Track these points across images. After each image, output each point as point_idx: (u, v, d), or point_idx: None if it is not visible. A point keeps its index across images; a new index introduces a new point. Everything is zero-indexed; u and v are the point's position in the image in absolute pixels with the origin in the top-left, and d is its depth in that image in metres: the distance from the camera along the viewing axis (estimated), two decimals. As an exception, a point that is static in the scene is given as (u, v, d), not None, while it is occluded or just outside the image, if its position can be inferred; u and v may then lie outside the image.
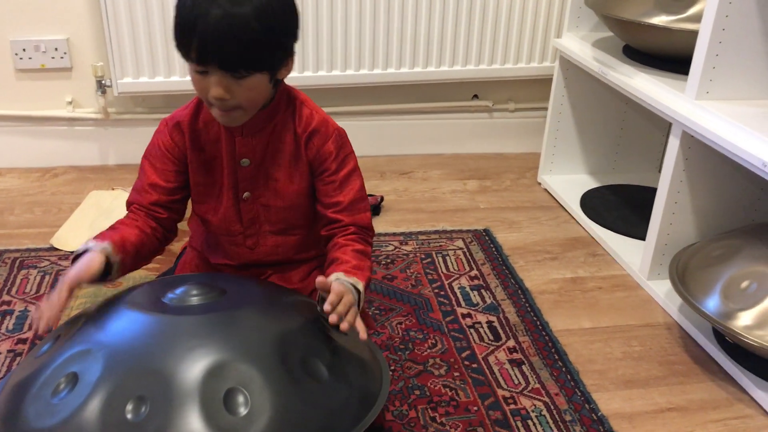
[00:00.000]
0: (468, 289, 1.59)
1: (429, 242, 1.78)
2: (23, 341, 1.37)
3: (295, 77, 2.01)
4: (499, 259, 1.71)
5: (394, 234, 1.81)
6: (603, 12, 1.70)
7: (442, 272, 1.65)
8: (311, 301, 1.08)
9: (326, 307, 0.94)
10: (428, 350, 1.38)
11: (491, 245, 1.77)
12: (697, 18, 1.55)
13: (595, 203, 1.97)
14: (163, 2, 1.90)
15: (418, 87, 2.21)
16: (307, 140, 1.12)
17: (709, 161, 1.51)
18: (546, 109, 2.30)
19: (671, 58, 1.64)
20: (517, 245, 1.80)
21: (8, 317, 1.43)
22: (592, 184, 2.09)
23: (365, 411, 0.94)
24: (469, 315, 1.50)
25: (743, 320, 1.28)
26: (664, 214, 1.56)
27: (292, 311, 1.01)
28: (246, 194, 1.14)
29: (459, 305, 1.53)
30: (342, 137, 1.14)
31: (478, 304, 1.54)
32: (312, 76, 2.05)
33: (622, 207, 1.95)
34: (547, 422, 1.22)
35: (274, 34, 0.99)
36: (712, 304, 1.33)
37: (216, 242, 1.22)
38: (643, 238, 1.78)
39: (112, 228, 1.09)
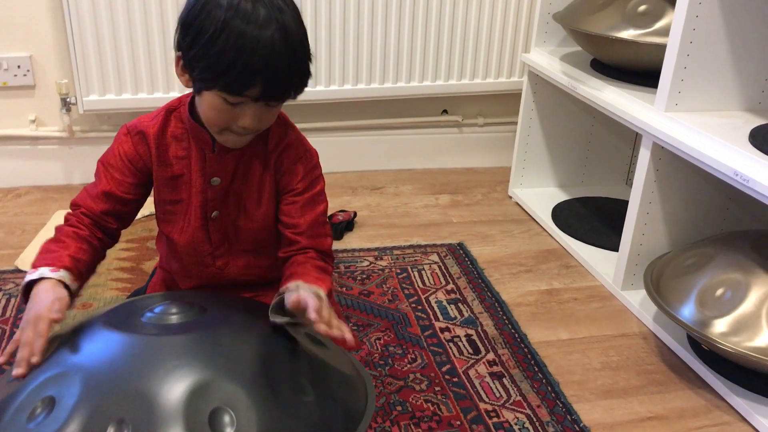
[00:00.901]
0: (445, 303, 1.58)
1: (404, 257, 1.77)
2: (-11, 366, 1.32)
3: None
4: (475, 273, 1.71)
5: (369, 249, 1.80)
6: (571, 26, 1.73)
7: (418, 287, 1.64)
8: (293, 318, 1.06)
9: (313, 315, 0.88)
10: (408, 365, 1.37)
11: (466, 259, 1.77)
12: (664, 32, 1.58)
13: (566, 215, 1.98)
14: (129, 18, 1.88)
15: (388, 102, 2.22)
16: (277, 158, 1.07)
17: (679, 172, 1.54)
18: (514, 123, 2.33)
19: (639, 71, 1.67)
20: (492, 258, 1.80)
21: (-27, 342, 1.38)
22: (562, 196, 2.11)
23: (352, 427, 0.92)
24: (447, 329, 1.49)
25: (718, 327, 1.30)
26: (637, 224, 1.58)
27: (275, 327, 0.99)
28: (215, 213, 1.09)
29: (437, 319, 1.52)
30: (312, 158, 1.10)
31: (455, 317, 1.53)
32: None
33: (593, 219, 1.97)
34: (531, 435, 1.22)
35: (310, 56, 0.98)
36: (688, 311, 1.35)
37: (183, 264, 1.14)
38: (614, 249, 1.80)
39: (58, 243, 1.00)
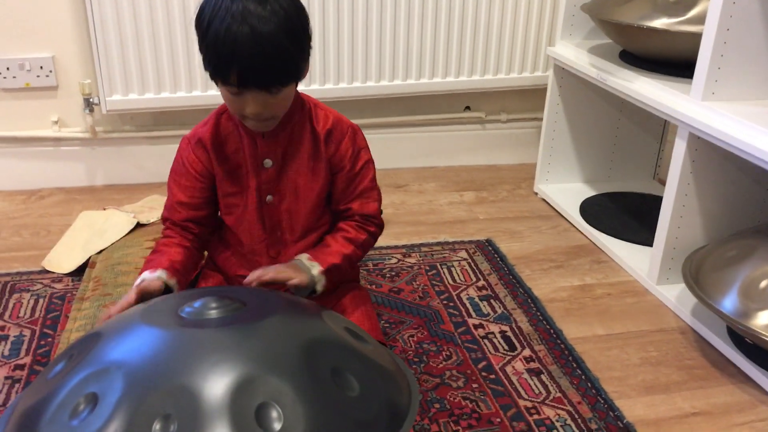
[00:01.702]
0: (477, 299, 1.56)
1: (432, 254, 1.74)
2: (21, 367, 1.30)
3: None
4: (505, 269, 1.68)
5: (396, 247, 1.77)
6: (600, 17, 1.70)
7: (448, 283, 1.61)
8: (333, 312, 1.04)
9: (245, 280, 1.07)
10: (443, 362, 1.35)
11: (495, 255, 1.74)
12: (697, 20, 1.55)
13: (594, 211, 1.95)
14: (152, 17, 1.86)
15: (411, 99, 2.19)
16: (325, 138, 1.16)
17: (716, 163, 1.51)
18: (537, 119, 2.31)
19: (671, 61, 1.64)
20: (521, 254, 1.77)
21: (3, 342, 1.37)
22: (588, 192, 2.07)
23: (397, 424, 0.89)
24: (481, 325, 1.46)
25: (763, 319, 1.27)
26: (672, 218, 1.55)
27: (317, 321, 0.97)
28: (269, 197, 1.17)
29: (470, 316, 1.49)
30: (356, 133, 1.19)
31: (488, 314, 1.50)
32: (304, 90, 2.01)
33: (622, 214, 1.94)
34: (573, 431, 1.19)
35: (301, 44, 1.04)
36: (730, 304, 1.31)
37: (237, 253, 1.22)
38: (645, 243, 1.77)
39: (156, 252, 1.14)
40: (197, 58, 1.92)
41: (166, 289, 1.09)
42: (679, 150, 1.50)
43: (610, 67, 1.74)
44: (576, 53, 1.89)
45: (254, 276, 1.08)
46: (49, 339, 1.38)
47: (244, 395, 0.80)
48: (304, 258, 1.14)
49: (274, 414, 0.80)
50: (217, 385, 0.81)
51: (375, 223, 1.22)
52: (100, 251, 1.61)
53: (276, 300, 1.01)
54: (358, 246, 1.19)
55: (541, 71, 2.19)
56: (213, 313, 0.92)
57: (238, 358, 0.84)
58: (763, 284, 1.29)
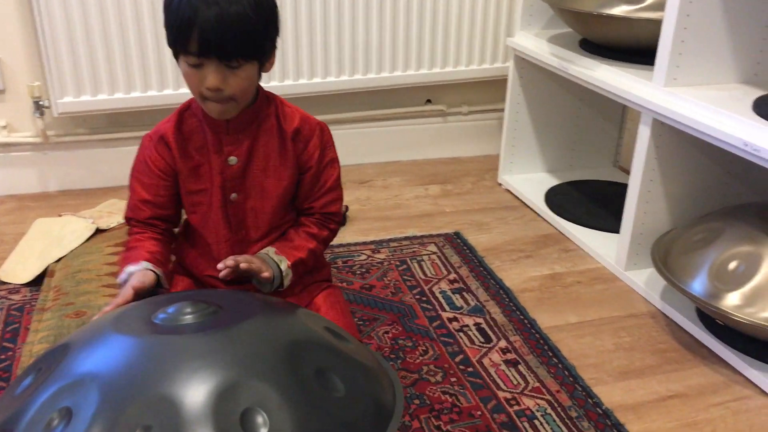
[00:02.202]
0: (449, 292, 1.55)
1: (401, 249, 1.73)
2: (-20, 383, 1.24)
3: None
4: (475, 261, 1.67)
5: (365, 243, 1.75)
6: (560, 6, 1.70)
7: (420, 278, 1.60)
8: (310, 311, 1.02)
9: (219, 265, 1.06)
10: (420, 357, 1.33)
11: (464, 248, 1.74)
12: (657, 7, 1.57)
13: (559, 200, 1.96)
14: (103, 15, 1.80)
15: (372, 94, 2.17)
16: (293, 137, 1.14)
17: (679, 148, 1.52)
18: (498, 110, 2.31)
19: (631, 48, 1.65)
20: (490, 246, 1.77)
21: (-41, 359, 1.30)
22: (552, 181, 2.08)
23: (384, 422, 0.88)
24: (455, 319, 1.45)
25: (733, 300, 1.28)
26: (638, 204, 1.56)
27: (296, 322, 0.94)
28: (234, 195, 1.15)
29: (443, 309, 1.48)
30: (324, 131, 1.18)
31: (462, 307, 1.49)
32: (263, 86, 1.97)
33: (586, 202, 1.95)
34: (554, 420, 1.19)
35: (267, 23, 1.03)
36: (700, 286, 1.33)
37: (204, 253, 1.19)
38: (611, 230, 1.79)
39: (131, 249, 1.12)
40: (152, 56, 1.87)
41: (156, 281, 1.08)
42: (643, 136, 1.51)
43: (570, 56, 1.75)
44: (536, 43, 1.89)
45: (229, 262, 1.06)
46: (10, 353, 1.32)
47: (228, 402, 0.78)
48: (271, 252, 1.13)
49: (260, 419, 0.77)
50: (198, 393, 0.78)
51: (335, 221, 1.22)
52: (59, 259, 1.55)
53: (252, 302, 0.98)
54: (321, 242, 1.20)
55: (500, 62, 2.19)
56: (188, 319, 0.89)
57: (219, 364, 0.81)
58: (731, 266, 1.31)
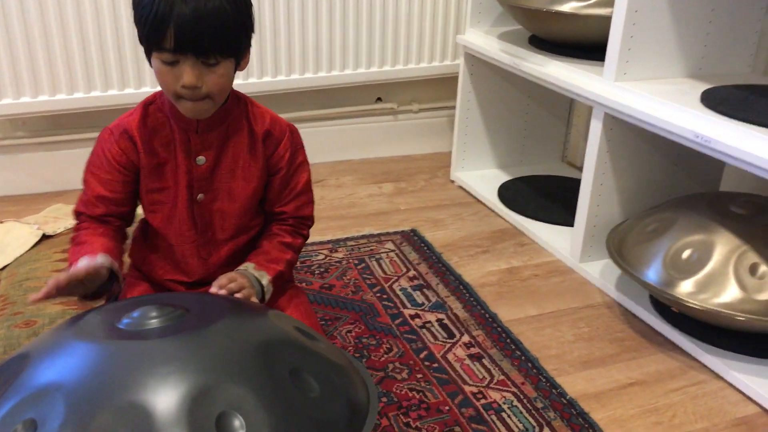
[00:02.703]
0: (410, 289, 1.54)
1: (359, 247, 1.72)
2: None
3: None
4: (434, 258, 1.68)
5: (322, 243, 1.73)
6: (510, 2, 1.72)
7: (379, 276, 1.59)
8: (279, 311, 1.00)
9: (212, 288, 1.01)
10: (385, 355, 1.32)
11: (422, 244, 1.74)
12: (605, 3, 1.60)
13: (511, 195, 1.98)
14: (42, 14, 1.74)
15: (322, 93, 2.16)
16: (264, 138, 1.12)
17: (629, 141, 1.56)
18: (448, 108, 2.33)
19: (580, 44, 1.68)
20: (447, 242, 1.77)
21: None
22: (503, 177, 2.11)
23: (359, 421, 0.87)
24: (417, 315, 1.45)
25: (687, 287, 1.32)
26: (592, 196, 1.59)
27: (266, 322, 0.92)
28: (200, 196, 1.11)
29: (405, 307, 1.48)
30: (294, 133, 1.16)
31: (423, 303, 1.49)
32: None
33: (538, 196, 1.98)
34: (521, 412, 1.20)
35: (244, 18, 1.01)
36: (656, 275, 1.36)
37: (165, 256, 1.15)
38: (563, 223, 1.82)
39: (81, 243, 1.05)
40: (96, 55, 1.81)
41: (111, 276, 1.02)
42: (595, 130, 1.54)
43: (521, 52, 1.77)
44: (486, 40, 1.91)
45: (221, 288, 1.02)
46: (-45, 366, 1.26)
47: (202, 406, 0.75)
48: (250, 267, 1.09)
49: (236, 423, 0.75)
50: (170, 399, 0.75)
51: (308, 225, 1.20)
52: (3, 267, 1.48)
53: (219, 303, 0.95)
54: (295, 250, 1.17)
55: (450, 60, 2.20)
56: (154, 323, 0.86)
57: (190, 368, 0.79)
58: (685, 254, 1.34)
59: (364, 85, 2.17)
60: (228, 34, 0.98)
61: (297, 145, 1.16)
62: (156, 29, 0.95)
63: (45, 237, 1.55)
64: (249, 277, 1.06)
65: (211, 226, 1.13)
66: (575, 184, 2.08)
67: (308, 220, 1.19)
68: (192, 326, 0.86)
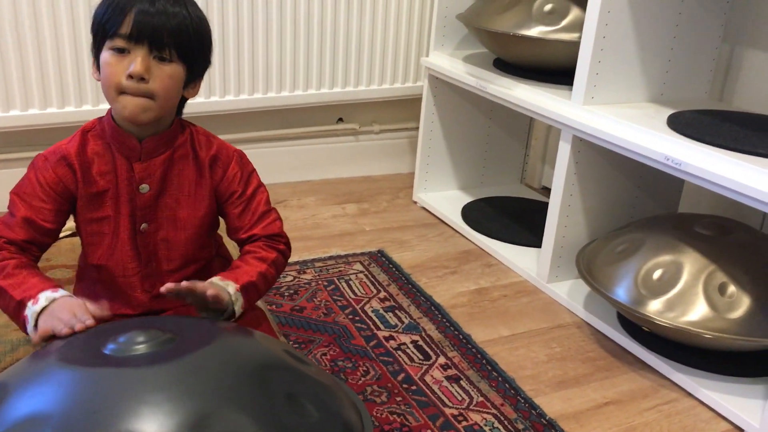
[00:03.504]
0: (381, 311, 1.53)
1: (327, 269, 1.70)
2: None
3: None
4: (403, 279, 1.67)
5: (289, 264, 1.69)
6: (476, 25, 1.74)
7: (350, 297, 1.57)
8: (266, 334, 0.97)
9: (162, 288, 0.94)
10: (362, 378, 1.30)
11: (390, 265, 1.73)
12: (571, 28, 1.64)
13: (475, 216, 2.00)
14: (-2, 26, 1.68)
15: (284, 112, 2.14)
16: (211, 165, 1.10)
17: (596, 164, 1.59)
18: (408, 129, 2.34)
19: (545, 68, 1.72)
20: (414, 263, 1.77)
21: None
22: (465, 198, 2.12)
23: (356, 446, 0.85)
24: (391, 337, 1.44)
25: (657, 306, 1.34)
26: (560, 217, 1.61)
27: (256, 346, 0.90)
28: (144, 226, 1.08)
29: (378, 328, 1.46)
30: (242, 157, 1.14)
31: (396, 325, 1.48)
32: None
33: (501, 217, 2.00)
34: (503, 434, 1.19)
35: (202, 35, 1.02)
36: (627, 295, 1.38)
37: (108, 291, 1.10)
38: (528, 244, 1.84)
39: (14, 276, 0.98)
40: (34, 72, 1.75)
41: None
42: (563, 153, 1.57)
43: (487, 75, 1.79)
44: (451, 63, 1.93)
45: (170, 285, 0.94)
46: None
47: (201, 435, 0.72)
48: (216, 279, 1.02)
49: (238, 452, 0.72)
50: (167, 427, 0.72)
51: (282, 241, 1.15)
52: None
53: (204, 327, 0.92)
54: (270, 264, 1.10)
55: (411, 81, 2.21)
56: (142, 348, 0.83)
57: (185, 395, 0.76)
58: (656, 274, 1.37)
59: (326, 105, 2.16)
60: (187, 36, 0.99)
61: (247, 169, 1.13)
62: (115, 14, 0.96)
63: None
64: (215, 286, 0.99)
65: (156, 257, 1.09)
66: (535, 205, 2.12)
67: (280, 237, 1.14)
68: (182, 351, 0.83)
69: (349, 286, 1.62)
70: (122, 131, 1.04)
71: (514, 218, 1.99)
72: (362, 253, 1.79)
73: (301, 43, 2.01)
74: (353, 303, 1.55)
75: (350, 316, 1.50)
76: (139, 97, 0.98)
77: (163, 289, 0.94)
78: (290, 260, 1.70)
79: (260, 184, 1.14)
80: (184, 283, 0.95)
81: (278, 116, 2.14)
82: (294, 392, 0.83)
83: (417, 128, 2.31)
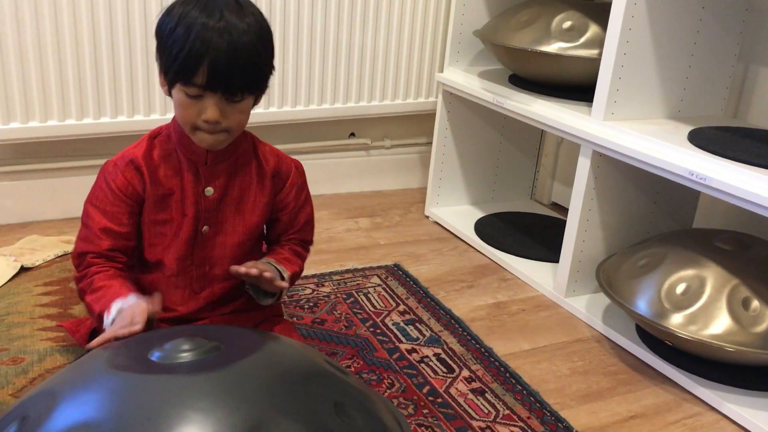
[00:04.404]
0: (402, 324, 1.53)
1: (345, 282, 1.70)
2: None
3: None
4: (421, 292, 1.67)
5: (307, 277, 1.70)
6: (494, 42, 1.76)
7: (370, 310, 1.57)
8: (307, 345, 0.97)
9: (240, 269, 1.02)
10: (387, 390, 1.30)
11: (407, 279, 1.73)
12: (590, 45, 1.66)
13: (489, 231, 2.01)
14: (19, 37, 1.67)
15: (298, 126, 2.14)
16: (273, 176, 1.15)
17: (615, 179, 1.60)
18: (419, 144, 2.36)
19: (562, 85, 1.73)
20: (431, 277, 1.77)
21: None
22: (477, 213, 2.13)
23: (400, 456, 0.85)
24: (414, 350, 1.44)
25: (681, 320, 1.35)
26: (578, 232, 1.62)
27: (299, 355, 0.90)
28: (205, 228, 1.12)
29: (400, 341, 1.46)
30: (299, 168, 1.19)
31: (418, 338, 1.48)
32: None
33: (514, 232, 2.01)
34: (531, 446, 1.19)
35: (269, 55, 1.03)
36: (649, 308, 1.39)
37: (159, 287, 1.12)
38: (543, 259, 1.85)
39: (100, 290, 1.02)
40: (72, 83, 1.75)
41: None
42: (582, 168, 1.58)
43: (503, 90, 1.80)
44: (465, 78, 1.94)
45: (253, 270, 1.04)
46: (-69, 408, 1.17)
47: (256, 442, 0.72)
48: (272, 261, 1.13)
49: (294, 459, 0.72)
50: (223, 434, 0.72)
51: (310, 247, 1.27)
52: (-25, 302, 1.39)
53: (249, 336, 0.92)
54: (302, 262, 1.22)
55: (423, 97, 2.23)
56: (188, 356, 0.83)
57: (238, 402, 0.76)
58: (679, 288, 1.38)
59: (339, 120, 2.17)
60: (257, 72, 1.00)
61: (302, 181, 1.19)
62: (188, 65, 0.96)
63: (23, 269, 1.47)
64: (271, 268, 1.09)
65: (209, 260, 1.13)
66: (546, 220, 2.13)
67: (309, 243, 1.25)
68: (229, 359, 0.83)
69: (368, 299, 1.62)
70: (189, 139, 1.06)
71: (527, 233, 2.00)
72: (379, 267, 1.79)
73: (317, 58, 2.02)
74: (373, 316, 1.55)
75: (371, 329, 1.50)
76: (214, 134, 1.02)
77: (232, 269, 1.04)
78: (308, 273, 1.72)
79: (308, 197, 1.22)
80: (248, 265, 1.04)
81: (291, 130, 2.15)
82: (340, 401, 0.83)
83: (427, 143, 2.33)
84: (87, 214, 1.08)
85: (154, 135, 1.09)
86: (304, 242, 1.24)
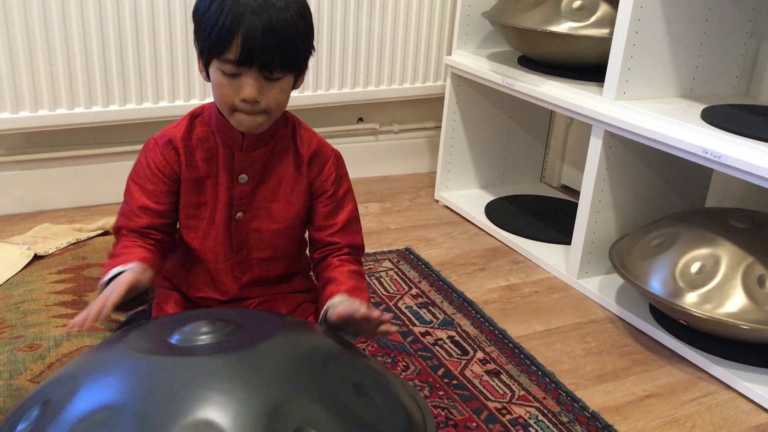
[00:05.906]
0: (415, 307, 1.53)
1: (357, 266, 1.69)
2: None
3: (181, 105, 1.86)
4: (433, 276, 1.67)
5: (318, 261, 1.70)
6: (503, 22, 1.75)
7: (382, 294, 1.57)
8: (326, 328, 0.97)
9: (374, 314, 0.96)
10: (403, 373, 1.30)
11: (419, 263, 1.73)
12: (600, 24, 1.64)
13: (499, 214, 2.00)
14: (27, 25, 1.67)
15: (305, 112, 2.13)
16: (309, 162, 1.09)
17: (627, 159, 1.59)
18: (427, 128, 2.35)
19: (572, 65, 1.72)
20: (442, 260, 1.77)
21: None
22: (486, 197, 2.12)
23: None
24: (427, 333, 1.44)
25: (693, 299, 1.35)
26: (590, 213, 1.61)
27: (318, 337, 0.90)
28: (239, 214, 1.08)
29: (413, 324, 1.46)
30: (339, 159, 1.13)
31: (431, 321, 1.48)
32: (186, 105, 1.89)
33: (525, 215, 2.00)
34: (548, 426, 1.19)
35: (309, 33, 0.99)
36: (664, 288, 1.39)
37: (199, 273, 1.12)
38: (553, 241, 1.84)
39: (117, 256, 1.00)
40: (80, 69, 1.75)
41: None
42: (594, 148, 1.57)
43: (513, 72, 1.79)
44: (475, 61, 1.93)
45: (386, 318, 0.98)
46: (-51, 395, 1.17)
47: (278, 422, 0.72)
48: (347, 299, 1.02)
49: (315, 439, 0.72)
50: (245, 416, 0.72)
51: (362, 254, 1.16)
52: (-10, 290, 1.40)
53: (268, 318, 0.92)
54: (365, 279, 1.13)
55: (431, 81, 2.22)
56: (207, 338, 0.83)
57: (259, 383, 0.76)
58: (694, 267, 1.37)
59: (347, 105, 2.17)
60: (296, 49, 0.96)
61: (342, 171, 1.13)
62: (222, 38, 0.93)
63: (36, 257, 1.47)
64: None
65: (247, 245, 1.10)
66: (556, 203, 2.12)
67: (361, 250, 1.14)
68: (248, 342, 0.83)
69: (381, 283, 1.62)
70: (227, 122, 1.03)
71: (537, 216, 2.00)
72: (390, 251, 1.79)
73: (324, 43, 2.01)
74: (386, 299, 1.55)
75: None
76: (253, 115, 0.99)
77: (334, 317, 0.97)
78: (320, 258, 1.71)
79: (351, 189, 1.15)
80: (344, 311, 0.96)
81: (299, 115, 2.12)
82: (359, 382, 0.83)
83: (436, 128, 2.32)
84: (128, 191, 1.07)
85: (197, 114, 1.07)
86: (355, 250, 1.12)
